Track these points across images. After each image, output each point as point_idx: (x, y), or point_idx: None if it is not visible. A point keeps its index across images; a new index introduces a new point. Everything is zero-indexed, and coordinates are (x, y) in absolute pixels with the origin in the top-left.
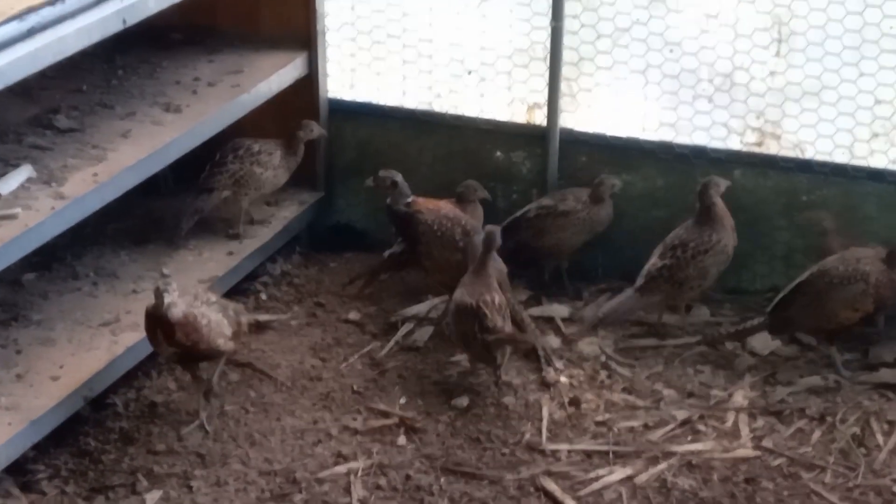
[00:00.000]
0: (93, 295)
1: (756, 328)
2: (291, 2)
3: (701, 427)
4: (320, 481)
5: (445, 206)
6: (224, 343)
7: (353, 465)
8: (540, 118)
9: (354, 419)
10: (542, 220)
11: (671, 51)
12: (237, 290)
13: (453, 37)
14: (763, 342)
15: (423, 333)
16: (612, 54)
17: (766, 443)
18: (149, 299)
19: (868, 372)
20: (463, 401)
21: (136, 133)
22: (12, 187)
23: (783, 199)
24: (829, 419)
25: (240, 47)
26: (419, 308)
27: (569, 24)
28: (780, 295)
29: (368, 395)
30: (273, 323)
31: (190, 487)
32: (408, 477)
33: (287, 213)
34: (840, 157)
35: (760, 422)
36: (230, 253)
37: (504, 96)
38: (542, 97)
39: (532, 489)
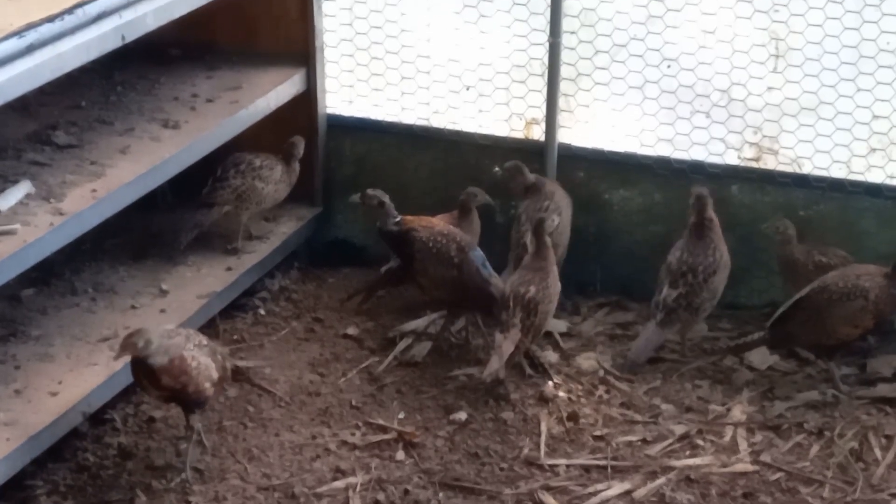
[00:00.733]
0: (91, 311)
1: (755, 343)
2: (289, 18)
3: (699, 442)
4: (319, 496)
5: (439, 223)
6: (209, 388)
7: (351, 479)
8: (538, 133)
9: (353, 434)
10: None
11: (669, 66)
12: (235, 305)
13: (451, 53)
14: (761, 357)
15: (422, 348)
16: (610, 70)
17: (765, 457)
18: (148, 315)
19: (866, 387)
20: (461, 415)
21: (135, 149)
22: (11, 203)
23: (781, 214)
24: (827, 434)
25: (238, 63)
26: (417, 323)
27: (567, 40)
28: (780, 310)
29: (367, 409)
30: (251, 370)
31: (189, 503)
32: (406, 492)
33: (285, 229)
34: (837, 173)
35: (759, 436)
36: (228, 268)
37: (502, 112)
38: (540, 113)
39: None
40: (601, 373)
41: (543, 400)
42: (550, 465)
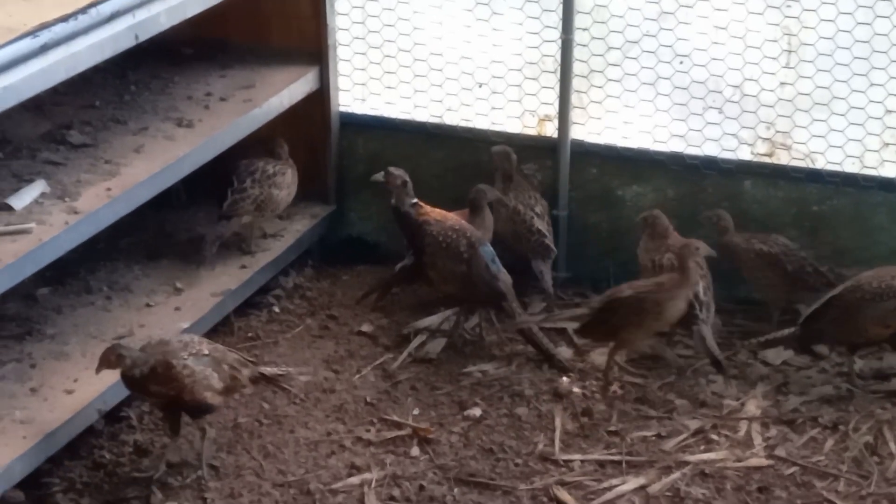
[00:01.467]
0: (106, 309)
1: (786, 339)
2: (302, 16)
3: (714, 436)
4: (334, 493)
5: (452, 218)
6: (212, 397)
7: (366, 476)
8: (551, 130)
9: (368, 430)
10: None
11: (681, 62)
12: (250, 303)
13: (464, 50)
14: (776, 352)
15: (436, 345)
16: (623, 66)
17: (779, 452)
18: (163, 313)
19: (880, 381)
20: (476, 412)
21: (149, 148)
22: (26, 202)
23: (794, 210)
24: (841, 428)
25: (251, 62)
26: (431, 320)
27: (579, 37)
28: (812, 307)
29: (381, 406)
30: (280, 380)
31: (204, 500)
32: (421, 488)
33: (299, 227)
34: (850, 167)
35: (773, 431)
36: (243, 266)
37: (515, 109)
38: (553, 109)
39: (545, 499)
40: (615, 368)
41: (558, 396)
42: (565, 461)
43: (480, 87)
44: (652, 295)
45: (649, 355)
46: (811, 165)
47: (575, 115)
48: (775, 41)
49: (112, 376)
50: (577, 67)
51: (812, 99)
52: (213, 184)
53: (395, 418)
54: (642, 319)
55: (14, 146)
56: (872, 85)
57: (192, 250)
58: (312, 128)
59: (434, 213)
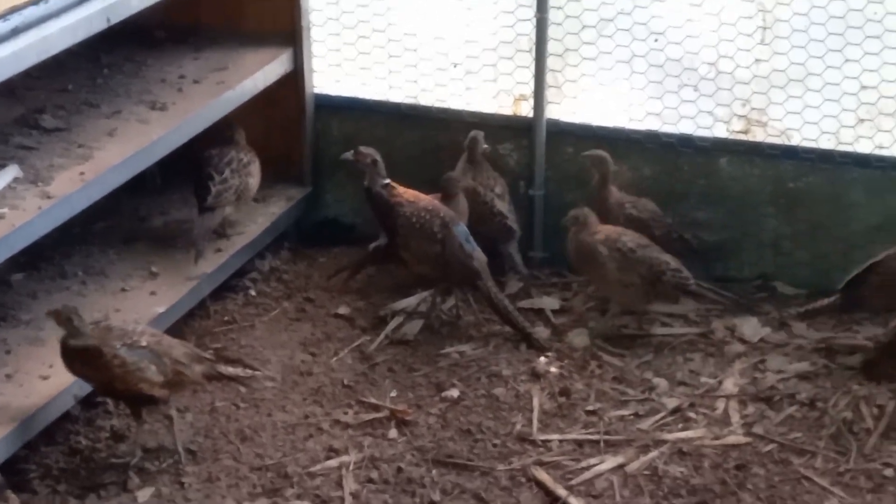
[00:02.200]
0: (82, 294)
1: (826, 308)
2: None
3: (691, 415)
4: (312, 475)
5: (425, 198)
6: (149, 388)
7: (344, 458)
8: (526, 110)
9: (345, 413)
10: None
11: (656, 40)
12: (226, 286)
13: (438, 30)
14: (753, 329)
15: (413, 327)
16: (598, 45)
17: (757, 429)
18: (138, 298)
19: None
20: (453, 393)
21: (122, 131)
22: None
23: (770, 187)
24: (819, 405)
25: (225, 44)
26: (408, 302)
27: (553, 16)
28: (853, 273)
29: (359, 388)
30: (243, 380)
31: (181, 484)
32: (399, 469)
33: (275, 209)
34: (826, 144)
35: (751, 408)
36: (218, 250)
37: (490, 89)
38: (528, 89)
39: (524, 479)
40: (593, 348)
41: (535, 376)
42: (543, 441)
43: (455, 67)
44: None
45: (628, 334)
46: (787, 142)
47: (550, 94)
48: (750, 18)
49: None
50: (551, 46)
51: (787, 75)
52: (187, 172)
53: (373, 400)
54: None
55: None
56: (847, 61)
57: (168, 234)
58: (287, 110)
59: (407, 194)
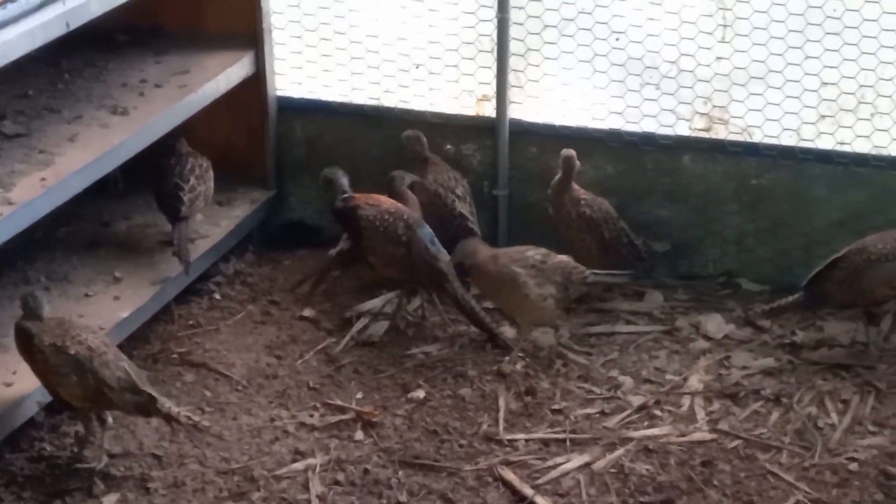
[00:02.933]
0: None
1: (790, 305)
2: (237, 0)
3: (657, 412)
4: (278, 478)
5: (387, 201)
6: (67, 395)
7: (310, 461)
8: (489, 110)
9: (311, 415)
10: None
11: (617, 39)
12: (190, 290)
13: (400, 31)
14: (717, 325)
15: (379, 328)
16: (559, 44)
17: (722, 425)
18: (102, 302)
19: (821, 351)
20: (419, 394)
21: (84, 136)
22: None
23: (733, 184)
24: (784, 400)
25: (186, 47)
26: (374, 303)
27: (515, 15)
28: (816, 270)
29: (325, 390)
30: (181, 423)
31: (147, 489)
32: (366, 471)
33: (239, 212)
34: (788, 140)
35: (716, 405)
36: None
37: (453, 89)
38: (491, 89)
39: (490, 479)
40: (559, 347)
41: (501, 375)
42: (509, 440)
43: (417, 68)
44: None
45: (594, 332)
46: (749, 139)
47: (513, 94)
48: (710, 16)
49: None
50: (513, 46)
51: (748, 73)
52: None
53: (339, 402)
54: None
55: None
56: (808, 58)
57: (132, 239)
58: (250, 112)
59: (368, 199)
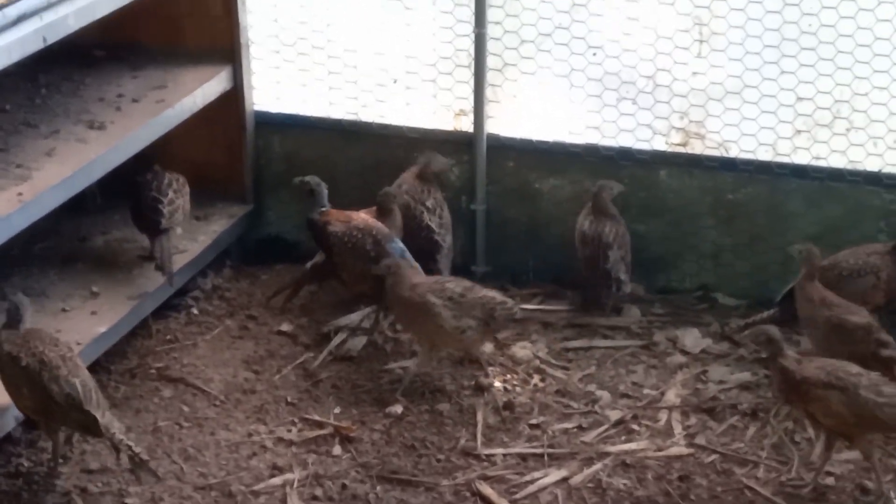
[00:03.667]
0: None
1: (765, 321)
2: (214, 15)
3: (634, 427)
4: (256, 494)
5: (358, 217)
6: (21, 406)
7: (288, 476)
8: (466, 125)
9: (289, 430)
10: None
11: (594, 54)
12: (168, 305)
13: (378, 46)
14: (694, 340)
15: (357, 343)
16: (536, 59)
17: (699, 440)
18: (79, 318)
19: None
20: (397, 409)
21: (61, 151)
22: None
23: (709, 198)
24: (761, 415)
25: (163, 62)
26: (351, 318)
27: (492, 31)
28: (790, 286)
29: (302, 405)
30: (125, 454)
31: None
32: (344, 486)
33: (216, 227)
34: (764, 155)
35: (693, 419)
36: (160, 268)
37: (430, 104)
38: (468, 104)
39: (468, 494)
40: (536, 361)
41: (479, 390)
42: (487, 455)
43: (395, 83)
44: None
45: (572, 347)
46: (725, 154)
47: (490, 109)
48: (686, 31)
49: None
50: (490, 61)
51: (724, 88)
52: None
53: (317, 417)
54: None
55: None
56: (783, 73)
57: (109, 254)
58: (228, 127)
59: (340, 216)
